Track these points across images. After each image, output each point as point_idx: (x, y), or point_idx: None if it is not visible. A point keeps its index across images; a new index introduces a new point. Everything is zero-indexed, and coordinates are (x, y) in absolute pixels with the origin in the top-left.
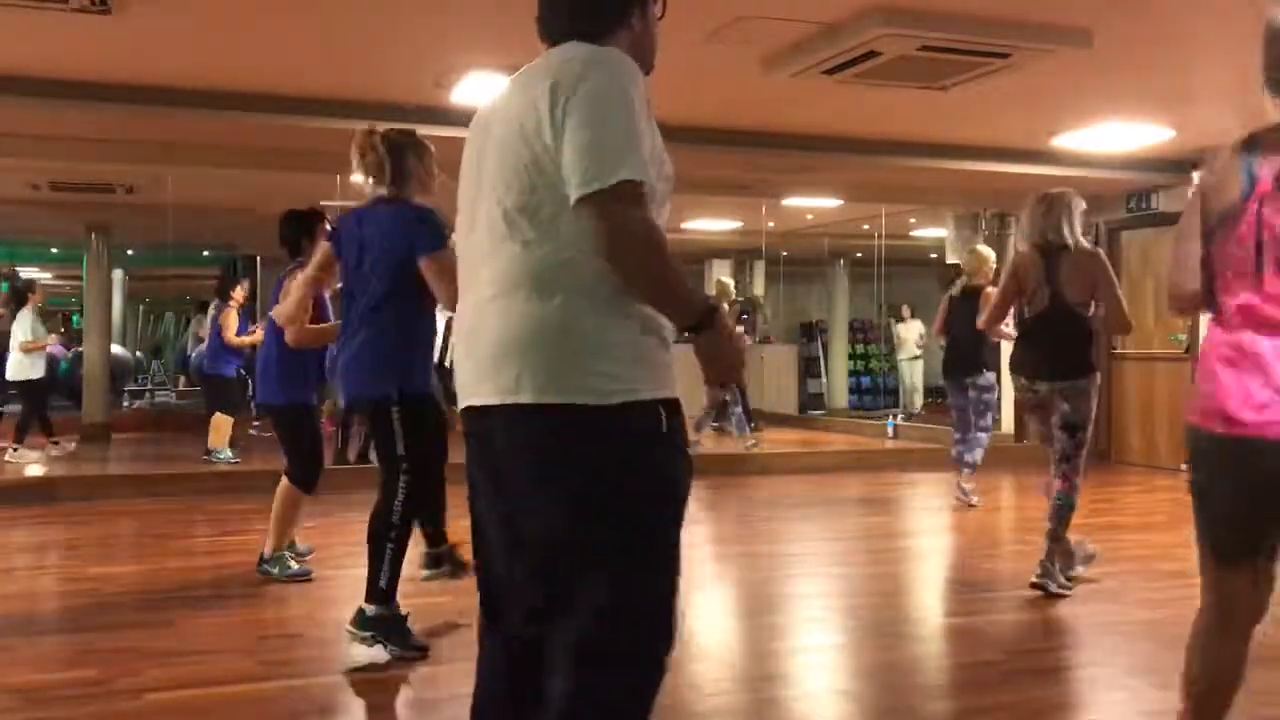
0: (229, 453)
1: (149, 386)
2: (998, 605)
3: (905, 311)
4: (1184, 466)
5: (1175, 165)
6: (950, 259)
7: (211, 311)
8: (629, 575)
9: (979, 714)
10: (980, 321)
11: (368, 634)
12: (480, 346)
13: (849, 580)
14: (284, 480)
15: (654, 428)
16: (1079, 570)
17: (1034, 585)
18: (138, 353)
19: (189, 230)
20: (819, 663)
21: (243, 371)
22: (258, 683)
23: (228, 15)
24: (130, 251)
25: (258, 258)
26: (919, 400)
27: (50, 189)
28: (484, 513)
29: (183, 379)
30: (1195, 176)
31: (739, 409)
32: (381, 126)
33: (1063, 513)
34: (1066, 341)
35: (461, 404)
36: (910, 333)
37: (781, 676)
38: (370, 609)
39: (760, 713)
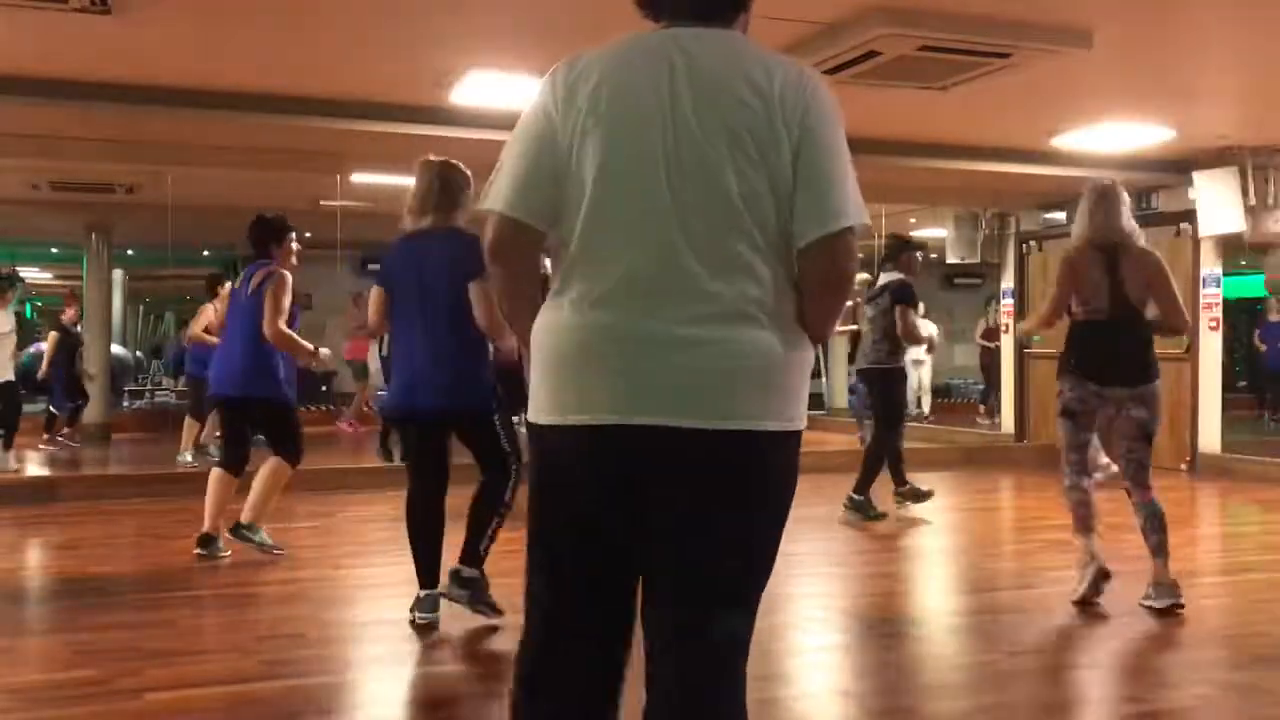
0: (190, 457)
1: (149, 386)
2: (998, 605)
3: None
4: None
5: (1175, 165)
6: (950, 259)
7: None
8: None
9: (979, 714)
10: (1027, 324)
11: (464, 592)
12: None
13: (849, 580)
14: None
15: None
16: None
17: (1172, 608)
18: (138, 353)
19: (189, 230)
20: (819, 663)
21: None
22: (258, 683)
23: (228, 15)
24: (130, 251)
25: None
26: (927, 402)
27: (50, 189)
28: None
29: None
30: (1195, 178)
31: None
32: (433, 158)
33: (1160, 520)
34: (1136, 344)
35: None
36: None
37: (781, 676)
38: (467, 571)
39: (760, 713)
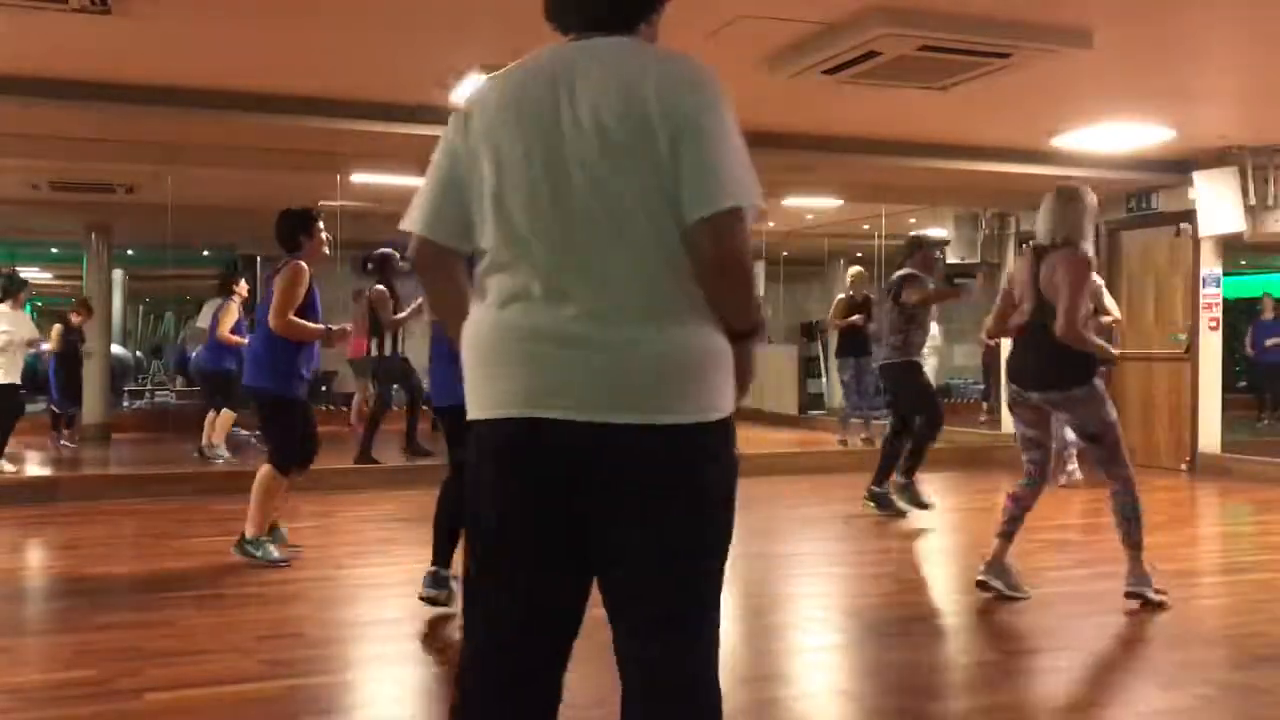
0: (226, 451)
1: (149, 386)
2: (998, 605)
3: None
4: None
5: (1175, 165)
6: (950, 259)
7: (206, 309)
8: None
9: (979, 714)
10: (986, 327)
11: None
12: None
13: (849, 580)
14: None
15: None
16: (1003, 588)
17: (1129, 595)
18: (137, 353)
19: (189, 230)
20: (819, 663)
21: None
22: (258, 683)
23: (227, 15)
24: (130, 251)
25: (258, 258)
26: None
27: (50, 189)
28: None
29: (180, 379)
30: (1196, 178)
31: None
32: None
33: (1127, 512)
34: (1046, 348)
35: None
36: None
37: (781, 676)
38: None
39: (760, 713)
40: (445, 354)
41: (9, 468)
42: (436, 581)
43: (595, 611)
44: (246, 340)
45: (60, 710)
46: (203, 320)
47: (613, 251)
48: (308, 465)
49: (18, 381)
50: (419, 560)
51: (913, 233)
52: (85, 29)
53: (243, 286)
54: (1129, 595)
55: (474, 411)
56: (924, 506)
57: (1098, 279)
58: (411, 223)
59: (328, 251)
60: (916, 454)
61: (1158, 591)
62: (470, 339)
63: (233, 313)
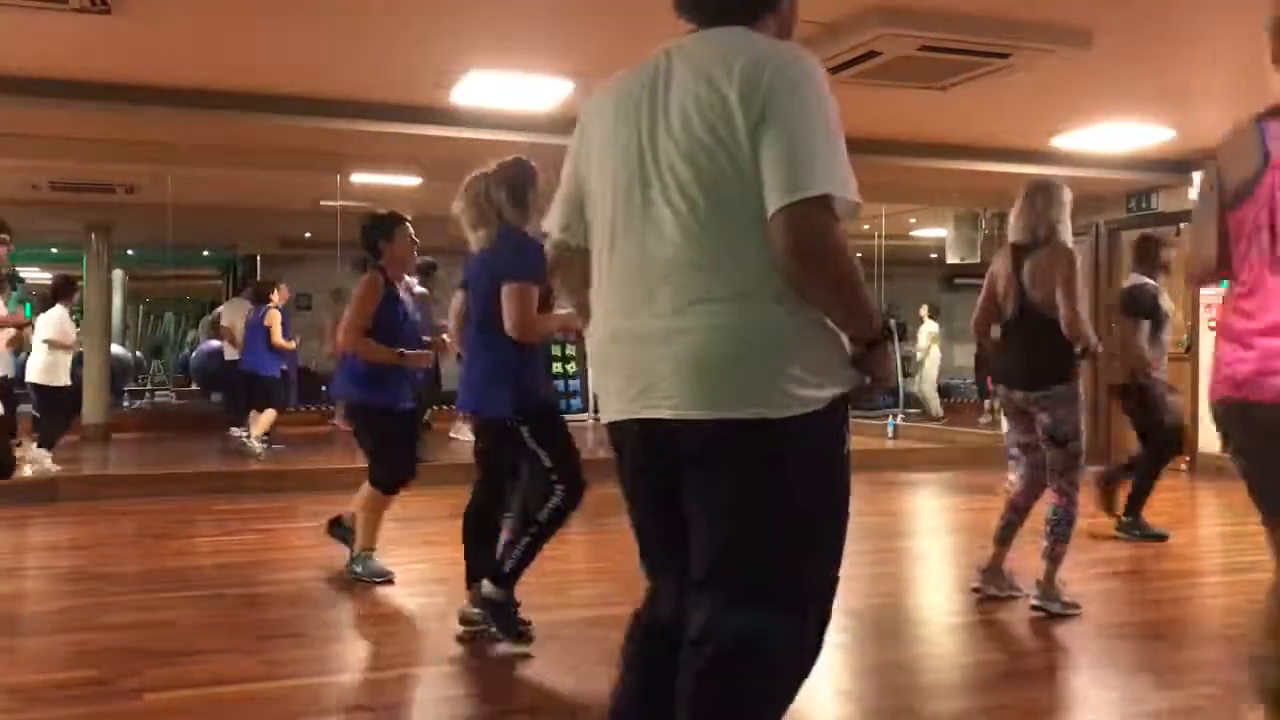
0: (261, 446)
1: (149, 386)
2: (997, 605)
3: (924, 312)
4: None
5: (1175, 165)
6: (950, 259)
7: (226, 310)
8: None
9: (979, 714)
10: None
11: (475, 610)
12: None
13: (849, 580)
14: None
15: None
16: (997, 591)
17: (1034, 608)
18: (137, 353)
19: (189, 230)
20: (819, 663)
21: (284, 369)
22: (258, 683)
23: (227, 15)
24: (130, 251)
25: (257, 257)
26: (936, 404)
27: (50, 189)
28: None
29: (184, 379)
30: (1196, 178)
31: None
32: (492, 166)
33: (1059, 528)
34: (1032, 346)
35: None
36: (925, 336)
37: None
38: (488, 588)
39: None
40: (495, 361)
41: (50, 465)
42: (484, 604)
43: (598, 613)
44: (294, 345)
45: (60, 710)
46: (226, 320)
47: (697, 248)
48: (408, 483)
49: (69, 382)
50: (419, 560)
51: (1143, 233)
52: (85, 29)
53: (283, 290)
54: (1035, 609)
55: (604, 415)
56: (1158, 537)
57: None
58: (547, 223)
59: (414, 257)
60: (1139, 487)
61: (1066, 605)
62: (589, 342)
63: (277, 318)
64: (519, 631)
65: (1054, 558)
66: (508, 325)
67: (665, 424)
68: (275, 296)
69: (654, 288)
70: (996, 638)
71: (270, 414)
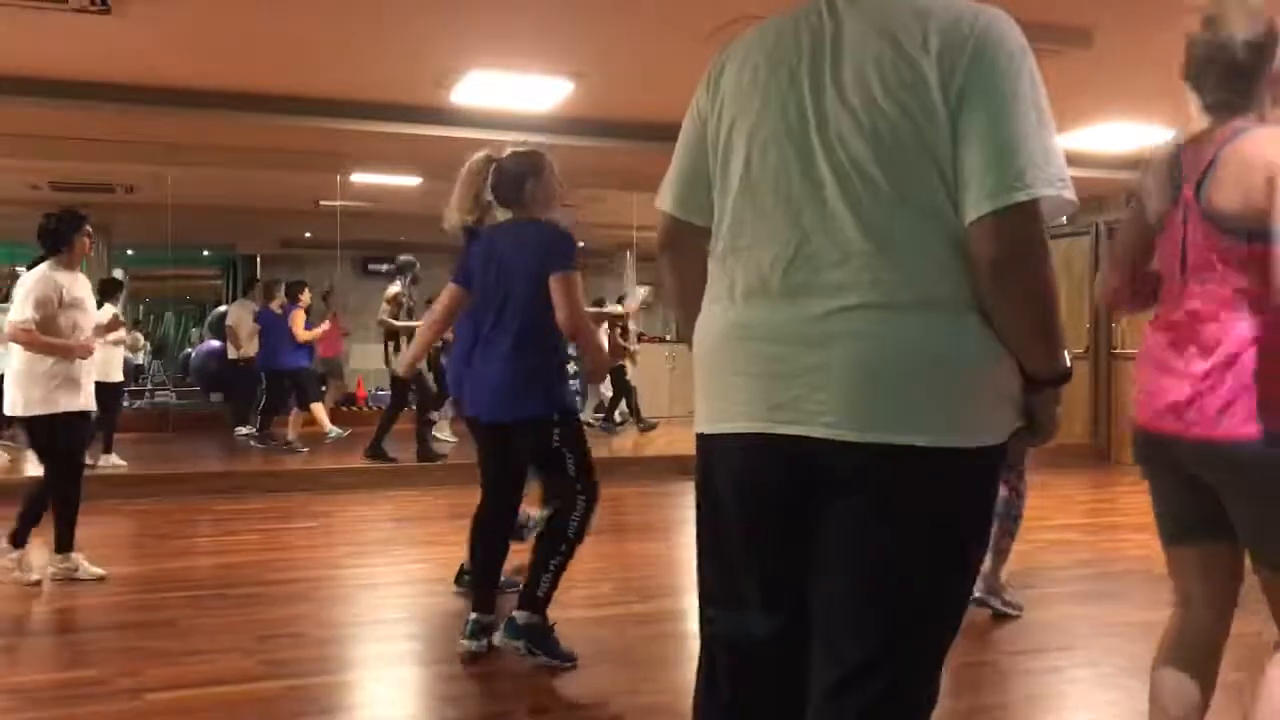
0: (337, 430)
1: (149, 386)
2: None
3: None
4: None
5: None
6: None
7: (236, 309)
8: None
9: (979, 714)
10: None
11: (519, 642)
12: None
13: None
14: None
15: None
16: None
17: (976, 602)
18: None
19: (189, 230)
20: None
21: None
22: (258, 683)
23: (228, 15)
24: (130, 251)
25: (257, 257)
26: None
27: (50, 189)
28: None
29: (185, 378)
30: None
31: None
32: (505, 151)
33: (1005, 523)
34: None
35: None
36: None
37: None
38: (523, 617)
39: None
40: (540, 357)
41: (118, 461)
42: (523, 633)
43: (598, 613)
44: (318, 331)
45: (60, 710)
46: (232, 319)
47: (876, 239)
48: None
49: (122, 378)
50: (419, 560)
51: None
52: (85, 29)
53: (305, 296)
54: (977, 603)
55: (702, 424)
56: None
57: None
58: (661, 200)
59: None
60: None
61: (1006, 604)
62: (700, 338)
63: (302, 317)
64: (565, 653)
65: (999, 551)
66: (561, 317)
67: (807, 443)
68: (304, 297)
69: (809, 280)
70: (996, 638)
71: (317, 407)
